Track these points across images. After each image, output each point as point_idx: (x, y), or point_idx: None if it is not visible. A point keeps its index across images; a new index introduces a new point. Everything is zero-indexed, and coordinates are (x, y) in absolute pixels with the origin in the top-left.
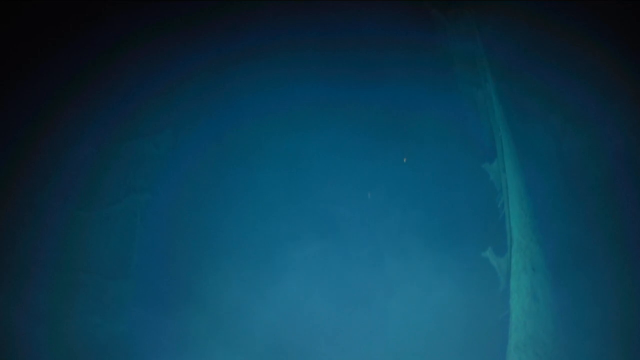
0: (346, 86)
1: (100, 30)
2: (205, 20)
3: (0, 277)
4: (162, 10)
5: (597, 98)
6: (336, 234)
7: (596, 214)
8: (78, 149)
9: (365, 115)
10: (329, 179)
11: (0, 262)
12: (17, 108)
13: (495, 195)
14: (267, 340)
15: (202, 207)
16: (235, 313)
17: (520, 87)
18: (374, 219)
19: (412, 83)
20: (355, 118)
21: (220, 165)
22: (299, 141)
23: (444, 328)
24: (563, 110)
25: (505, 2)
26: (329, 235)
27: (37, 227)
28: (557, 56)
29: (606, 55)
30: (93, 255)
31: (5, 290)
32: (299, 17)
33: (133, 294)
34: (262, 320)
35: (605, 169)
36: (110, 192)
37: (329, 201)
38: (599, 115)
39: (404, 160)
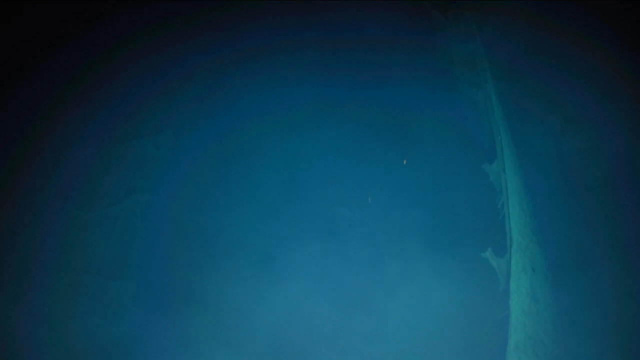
0: (346, 87)
1: (100, 30)
2: (205, 20)
3: (0, 278)
4: (162, 10)
5: (597, 98)
6: (336, 234)
7: (596, 214)
8: (78, 149)
9: (365, 115)
10: (329, 180)
11: (1, 263)
12: (17, 108)
13: (495, 195)
14: (267, 341)
15: (202, 207)
16: (235, 313)
17: (520, 87)
18: (374, 219)
19: (412, 83)
20: (355, 118)
21: (220, 166)
22: (299, 141)
23: (444, 328)
24: (563, 110)
25: (505, 2)
26: (329, 235)
27: (37, 227)
28: (557, 56)
29: (606, 55)
30: (93, 255)
31: (6, 290)
32: (299, 17)
33: (133, 295)
34: (262, 320)
35: (605, 169)
36: (110, 193)
37: (329, 201)
38: (599, 115)
39: (404, 162)
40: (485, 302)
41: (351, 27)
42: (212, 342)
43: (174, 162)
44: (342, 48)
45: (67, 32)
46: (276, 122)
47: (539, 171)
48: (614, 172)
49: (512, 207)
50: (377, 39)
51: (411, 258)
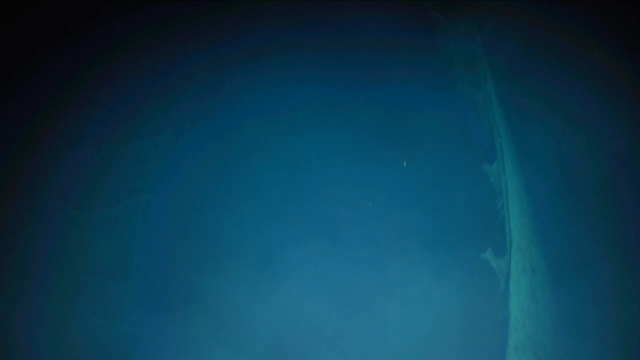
0: (346, 87)
1: (100, 30)
2: (205, 20)
3: (0, 278)
4: (162, 10)
5: (597, 98)
6: (336, 234)
7: (596, 214)
8: (78, 149)
9: (365, 115)
10: (329, 179)
11: (1, 263)
12: (17, 108)
13: (495, 196)
14: (267, 341)
15: (203, 207)
16: (235, 313)
17: (521, 87)
18: (374, 220)
19: (412, 84)
20: (355, 118)
21: (220, 166)
22: (299, 141)
23: (444, 329)
24: (563, 110)
25: (505, 2)
26: (329, 235)
27: (37, 227)
28: (557, 56)
29: (606, 55)
30: (93, 255)
31: (6, 290)
32: (299, 17)
33: (133, 295)
34: (262, 320)
35: (606, 169)
36: (110, 193)
37: (329, 201)
38: (599, 115)
39: (404, 164)
40: (485, 303)
41: (351, 27)
42: (212, 342)
43: (174, 162)
44: (342, 48)
45: (67, 32)
46: (276, 122)
47: (539, 171)
48: (614, 172)
49: (512, 207)
50: (377, 39)
51: (411, 258)
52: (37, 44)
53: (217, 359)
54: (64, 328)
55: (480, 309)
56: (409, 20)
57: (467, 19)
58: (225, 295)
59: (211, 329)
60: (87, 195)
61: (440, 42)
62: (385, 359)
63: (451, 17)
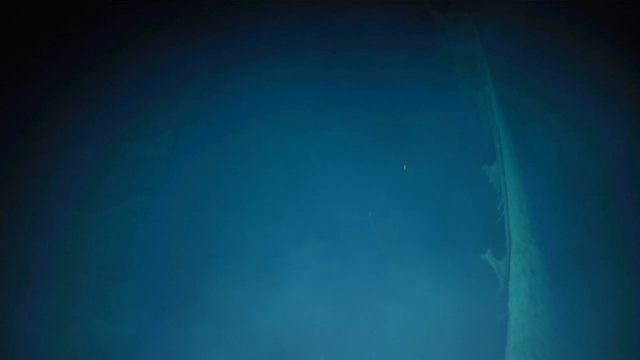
0: (346, 87)
1: (100, 30)
2: (205, 20)
3: (1, 278)
4: (162, 10)
5: (597, 98)
6: (336, 235)
7: (596, 215)
8: (78, 150)
9: (365, 116)
10: (329, 180)
11: (1, 263)
12: (17, 108)
13: (495, 197)
14: (267, 342)
15: (203, 208)
16: (236, 314)
17: (520, 88)
18: (374, 221)
19: (412, 84)
20: (355, 119)
21: (220, 166)
22: (299, 142)
23: (443, 330)
24: (563, 111)
25: (505, 2)
26: (329, 236)
27: (38, 227)
28: (557, 56)
29: (606, 55)
30: (94, 256)
31: (6, 291)
32: (299, 17)
33: (134, 295)
34: (263, 321)
35: (606, 169)
36: (110, 193)
37: (329, 202)
38: (599, 115)
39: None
40: (484, 304)
41: (351, 27)
42: (212, 343)
43: (174, 163)
44: (342, 48)
45: (67, 32)
46: (276, 122)
47: (538, 172)
48: (614, 173)
49: (511, 209)
50: (377, 39)
51: (411, 259)
52: (37, 44)
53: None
54: (64, 328)
55: (480, 310)
56: (409, 21)
57: (467, 19)
58: (225, 295)
59: (211, 329)
60: (88, 196)
61: (440, 42)
62: (385, 359)
63: (451, 18)
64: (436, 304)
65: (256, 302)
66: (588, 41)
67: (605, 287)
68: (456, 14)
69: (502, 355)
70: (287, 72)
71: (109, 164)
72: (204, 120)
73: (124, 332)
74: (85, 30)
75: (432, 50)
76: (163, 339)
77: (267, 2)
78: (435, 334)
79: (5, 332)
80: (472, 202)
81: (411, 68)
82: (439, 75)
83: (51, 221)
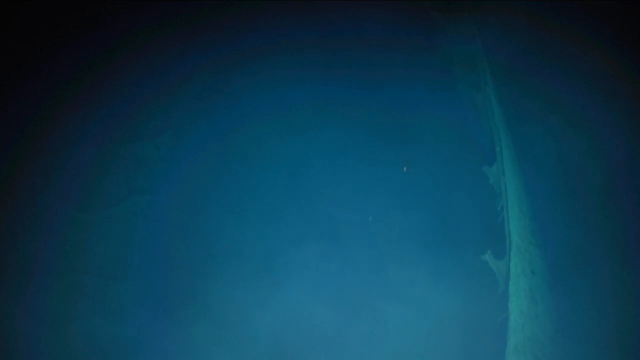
0: (346, 87)
1: (100, 30)
2: (205, 20)
3: (1, 278)
4: (162, 10)
5: (597, 98)
6: (336, 235)
7: (596, 215)
8: (78, 150)
9: (365, 116)
10: (329, 180)
11: (1, 263)
12: (17, 108)
13: (495, 198)
14: (267, 342)
15: (203, 208)
16: (236, 314)
17: (520, 88)
18: (374, 221)
19: (412, 84)
20: (354, 119)
21: (220, 167)
22: (299, 142)
23: (443, 330)
24: (563, 111)
25: (505, 2)
26: (329, 236)
27: (38, 228)
28: (557, 56)
29: (606, 55)
30: (94, 256)
31: (6, 291)
32: (299, 17)
33: (134, 296)
34: (263, 321)
35: (606, 170)
36: (111, 194)
37: (329, 202)
38: (599, 115)
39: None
40: (484, 304)
41: (351, 27)
42: (212, 343)
43: (174, 163)
44: (342, 48)
45: (67, 32)
46: (276, 122)
47: (538, 173)
48: (614, 173)
49: (511, 209)
50: (377, 39)
51: (411, 260)
52: (37, 44)
53: None
54: (64, 328)
55: (480, 310)
56: (409, 21)
57: (467, 19)
58: (225, 295)
59: (211, 329)
60: (88, 196)
61: (440, 42)
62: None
63: (451, 18)
64: (436, 304)
65: (256, 302)
66: (588, 41)
67: (605, 287)
68: (456, 14)
69: (502, 356)
70: (287, 72)
71: (109, 164)
72: (204, 121)
73: (124, 332)
74: (85, 30)
75: (432, 51)
76: (163, 339)
77: (267, 2)
78: (435, 334)
79: (5, 332)
80: (472, 202)
81: (411, 68)
82: (439, 76)
83: (51, 221)
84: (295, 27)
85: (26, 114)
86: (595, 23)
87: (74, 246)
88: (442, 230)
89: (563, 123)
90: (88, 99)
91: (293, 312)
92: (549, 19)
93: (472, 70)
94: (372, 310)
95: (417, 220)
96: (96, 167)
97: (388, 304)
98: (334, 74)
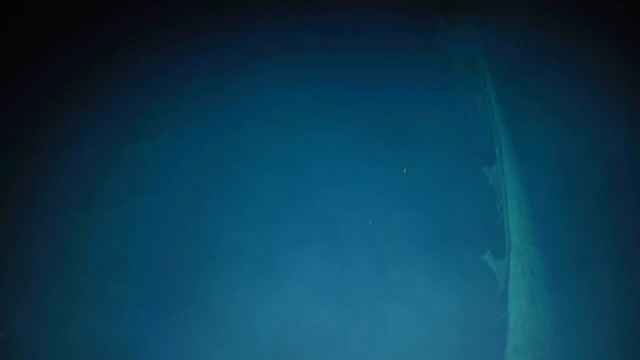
0: (346, 87)
1: (100, 30)
2: (205, 20)
3: (1, 279)
4: (162, 10)
5: (597, 98)
6: (336, 236)
7: (596, 216)
8: (78, 150)
9: (365, 116)
10: (329, 181)
11: (1, 263)
12: (17, 108)
13: (495, 198)
14: (268, 342)
15: (203, 208)
16: (236, 315)
17: (520, 88)
18: (374, 222)
19: (412, 85)
20: (355, 119)
21: (220, 167)
22: (299, 142)
23: (443, 331)
24: (563, 111)
25: (505, 2)
26: (329, 237)
27: (38, 228)
28: (557, 57)
29: (606, 55)
30: (94, 256)
31: (6, 291)
32: (299, 17)
33: (134, 296)
34: (263, 322)
35: (606, 170)
36: (111, 194)
37: (329, 202)
38: (599, 115)
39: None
40: (484, 305)
41: (351, 27)
42: (212, 344)
43: (174, 163)
44: (342, 48)
45: (67, 32)
46: (276, 122)
47: (538, 173)
48: (614, 173)
49: (511, 210)
50: (377, 39)
51: (410, 260)
52: (37, 44)
53: None
54: (64, 328)
55: (480, 311)
56: (409, 21)
57: (467, 20)
58: (225, 296)
59: (211, 330)
60: (88, 197)
61: (440, 43)
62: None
63: (451, 18)
64: (436, 305)
65: (256, 302)
66: (588, 41)
67: (605, 288)
68: (456, 14)
69: (501, 356)
70: (287, 72)
71: (109, 164)
72: (204, 121)
73: (124, 332)
74: (85, 30)
75: (432, 51)
76: (163, 339)
77: (267, 2)
78: (435, 335)
79: (6, 331)
80: (472, 203)
81: (411, 68)
82: (439, 76)
83: (51, 221)
84: (295, 27)
85: (26, 114)
86: (595, 23)
87: (74, 246)
88: (442, 231)
89: (563, 123)
90: (88, 99)
91: (293, 312)
92: (549, 19)
93: (472, 70)
94: (372, 310)
95: (417, 220)
96: (96, 167)
97: (388, 305)
98: (334, 74)
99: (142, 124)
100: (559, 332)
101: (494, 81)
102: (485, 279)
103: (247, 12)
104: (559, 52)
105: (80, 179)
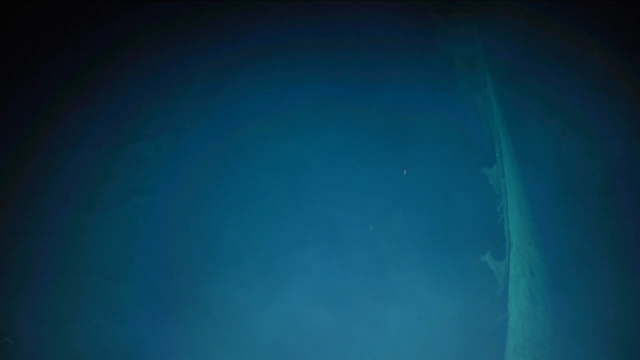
0: (346, 87)
1: (100, 30)
2: (205, 20)
3: (2, 279)
4: (162, 10)
5: (597, 98)
6: (336, 236)
7: (595, 216)
8: (78, 151)
9: (365, 116)
10: (329, 181)
11: (2, 264)
12: (17, 108)
13: (495, 199)
14: (268, 342)
15: (203, 208)
16: (236, 315)
17: (520, 89)
18: (374, 222)
19: (412, 85)
20: (355, 119)
21: (221, 167)
22: (299, 142)
23: (443, 331)
24: (563, 111)
25: (505, 3)
26: (329, 237)
27: (38, 229)
28: (557, 57)
29: (606, 55)
30: (94, 257)
31: (7, 291)
32: (299, 17)
33: (134, 296)
34: (263, 322)
35: (605, 170)
36: (111, 195)
37: (328, 203)
38: (599, 116)
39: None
40: (484, 305)
41: (351, 28)
42: (213, 344)
43: (175, 164)
44: (342, 48)
45: (67, 32)
46: (276, 122)
47: (538, 173)
48: (613, 174)
49: (511, 210)
50: (377, 40)
51: (410, 261)
52: (37, 44)
53: None
54: (65, 329)
55: (480, 311)
56: (409, 22)
57: (467, 20)
58: (226, 296)
59: (212, 330)
60: (88, 197)
61: (440, 43)
62: None
63: (451, 19)
64: (436, 305)
65: (256, 303)
66: (588, 41)
67: (605, 288)
68: (456, 15)
69: (501, 356)
70: (287, 72)
71: (110, 165)
72: (204, 121)
73: (124, 332)
74: (85, 30)
75: (432, 51)
76: (163, 339)
77: (267, 2)
78: (435, 335)
79: (5, 332)
80: (472, 203)
81: (411, 69)
82: (439, 76)
83: (52, 222)
84: (295, 27)
85: (26, 114)
86: (595, 23)
87: (75, 247)
88: (441, 231)
89: (563, 123)
90: (88, 99)
91: (293, 312)
92: (549, 19)
93: (472, 71)
94: (372, 310)
95: (417, 221)
96: (96, 168)
97: (388, 305)
98: (334, 74)
99: (142, 124)
100: (558, 332)
101: (494, 81)
102: (485, 279)
103: (247, 12)
104: (559, 52)
105: (80, 180)
